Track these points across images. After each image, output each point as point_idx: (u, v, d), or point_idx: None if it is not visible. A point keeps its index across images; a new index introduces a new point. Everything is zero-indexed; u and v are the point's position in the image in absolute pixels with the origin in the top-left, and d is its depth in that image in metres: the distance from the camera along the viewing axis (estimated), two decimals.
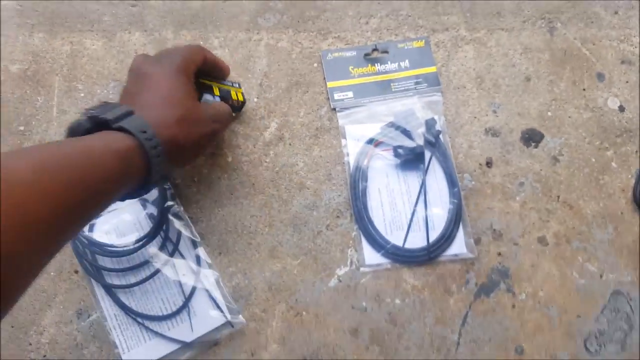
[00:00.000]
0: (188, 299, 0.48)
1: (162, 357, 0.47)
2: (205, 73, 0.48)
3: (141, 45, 0.57)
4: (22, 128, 0.54)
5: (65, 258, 0.50)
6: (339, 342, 0.48)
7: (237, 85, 0.53)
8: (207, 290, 0.48)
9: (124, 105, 0.38)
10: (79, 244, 0.49)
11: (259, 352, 0.47)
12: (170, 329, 0.48)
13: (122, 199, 0.39)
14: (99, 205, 0.34)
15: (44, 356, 0.47)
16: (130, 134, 0.36)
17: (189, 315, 0.48)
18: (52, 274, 0.50)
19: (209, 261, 0.50)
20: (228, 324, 0.47)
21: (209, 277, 0.49)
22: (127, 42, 0.57)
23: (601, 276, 0.49)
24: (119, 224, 0.51)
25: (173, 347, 0.47)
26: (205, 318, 0.48)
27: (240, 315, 0.48)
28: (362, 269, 0.50)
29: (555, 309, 0.48)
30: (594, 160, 0.53)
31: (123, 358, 0.47)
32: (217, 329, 0.47)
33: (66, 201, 0.30)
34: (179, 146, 0.39)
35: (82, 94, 0.56)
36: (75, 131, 0.37)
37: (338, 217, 0.52)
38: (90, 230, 0.50)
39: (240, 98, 0.52)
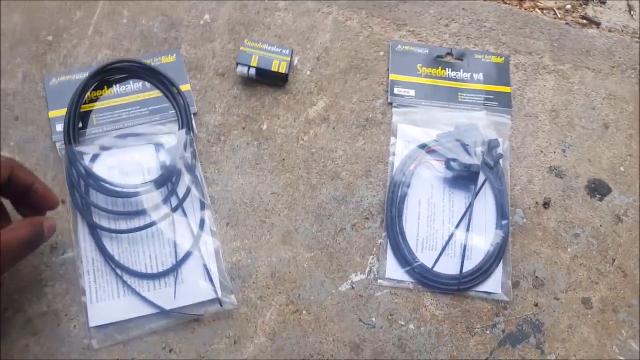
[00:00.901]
0: (179, 263, 0.49)
1: (132, 318, 0.46)
2: (15, 195, 0.43)
3: None
4: (50, 38, 0.57)
5: (55, 184, 0.51)
6: (335, 354, 0.47)
7: (288, 53, 0.55)
8: (202, 259, 0.49)
9: None
10: (74, 172, 0.50)
11: (243, 341, 0.47)
12: (151, 291, 0.48)
13: None
14: None
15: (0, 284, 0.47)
16: None
17: (175, 280, 0.48)
18: None
19: (214, 228, 0.50)
20: (217, 301, 0.47)
21: (208, 245, 0.50)
22: None
23: None
24: (126, 162, 0.52)
25: (148, 310, 0.47)
26: (193, 288, 0.48)
27: (233, 296, 0.48)
28: (380, 281, 0.50)
29: None
30: None
31: (88, 308, 0.47)
32: (202, 303, 0.47)
33: None
34: None
35: (125, 21, 0.58)
36: None
37: (367, 218, 0.52)
38: (93, 160, 0.51)
39: (282, 70, 0.54)
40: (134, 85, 0.55)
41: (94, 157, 0.51)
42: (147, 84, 0.55)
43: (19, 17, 0.57)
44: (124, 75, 0.55)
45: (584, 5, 0.65)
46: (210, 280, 0.48)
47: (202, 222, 0.50)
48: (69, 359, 0.45)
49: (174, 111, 0.54)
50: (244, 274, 0.49)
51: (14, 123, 0.53)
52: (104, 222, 0.49)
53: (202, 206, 0.51)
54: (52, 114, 0.53)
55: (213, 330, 0.47)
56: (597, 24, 0.64)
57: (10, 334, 0.46)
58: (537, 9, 0.65)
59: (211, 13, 0.59)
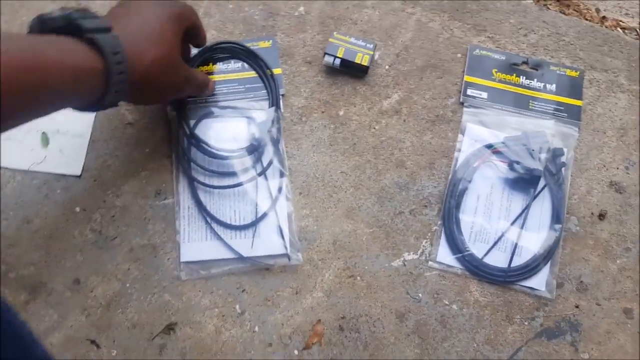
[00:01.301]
0: (258, 220, 0.56)
1: (215, 259, 0.55)
2: (187, 36, 0.51)
3: None
4: None
5: (163, 141, 0.60)
6: (382, 318, 0.53)
7: (371, 47, 0.61)
8: (277, 219, 0.56)
9: (106, 20, 0.39)
10: (180, 132, 0.59)
11: (303, 293, 0.54)
12: (232, 239, 0.56)
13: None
14: (35, 110, 0.36)
15: (112, 216, 0.58)
16: (99, 51, 0.37)
17: (253, 234, 0.56)
18: (147, 150, 0.60)
19: (289, 195, 0.58)
20: (286, 255, 0.55)
21: (283, 209, 0.57)
22: None
23: None
24: (222, 129, 0.60)
25: (229, 255, 0.55)
26: (267, 242, 0.56)
27: (300, 254, 0.55)
28: (430, 263, 0.55)
29: None
30: None
31: (181, 246, 0.56)
32: (273, 256, 0.55)
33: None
34: (145, 83, 0.42)
35: (231, 6, 0.66)
36: (43, 24, 0.37)
37: (425, 206, 0.57)
38: (196, 124, 0.60)
39: (365, 63, 0.60)
40: (234, 64, 0.63)
41: (197, 122, 0.60)
42: (246, 65, 0.63)
43: None
44: (227, 55, 0.63)
45: None
46: (282, 237, 0.56)
47: (280, 189, 0.58)
48: (161, 285, 0.55)
49: (265, 91, 0.61)
50: (310, 238, 0.56)
51: None
52: (200, 178, 0.58)
53: (281, 175, 0.58)
54: None
55: (280, 280, 0.55)
56: None
57: (117, 257, 0.56)
58: (619, 28, 0.66)
59: (306, 6, 0.66)
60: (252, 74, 0.62)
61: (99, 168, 0.59)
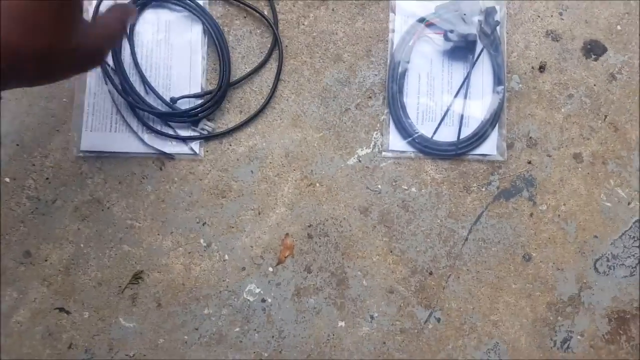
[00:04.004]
0: None
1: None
2: None
3: None
4: None
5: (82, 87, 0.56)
6: (347, 217, 0.55)
7: None
8: None
9: None
10: None
11: (266, 211, 0.55)
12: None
13: None
14: None
15: (47, 178, 0.55)
16: None
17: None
18: (64, 100, 0.56)
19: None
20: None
21: None
22: None
23: (629, 203, 0.56)
24: None
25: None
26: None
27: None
28: (384, 153, 0.56)
29: (573, 225, 0.56)
30: None
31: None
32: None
33: None
34: (8, 51, 0.31)
35: None
36: None
37: (370, 97, 0.57)
38: None
39: None
40: None
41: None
42: None
43: None
44: None
45: None
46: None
47: None
48: (117, 237, 0.54)
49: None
50: (261, 156, 0.56)
51: None
52: None
53: None
54: None
55: (239, 205, 0.55)
56: None
57: (63, 220, 0.54)
58: None
59: None
60: None
61: (18, 130, 0.56)
